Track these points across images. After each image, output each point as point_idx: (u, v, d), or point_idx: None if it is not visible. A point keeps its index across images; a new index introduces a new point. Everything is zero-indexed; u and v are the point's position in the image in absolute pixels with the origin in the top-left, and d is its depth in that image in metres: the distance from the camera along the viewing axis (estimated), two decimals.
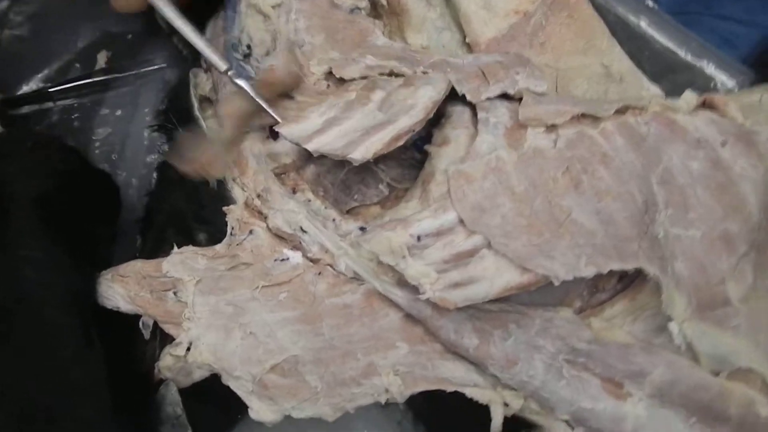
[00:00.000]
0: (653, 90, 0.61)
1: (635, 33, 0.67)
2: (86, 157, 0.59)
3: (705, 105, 0.47)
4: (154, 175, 0.59)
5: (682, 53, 0.66)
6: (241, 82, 0.48)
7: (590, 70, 0.63)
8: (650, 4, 0.68)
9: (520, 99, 0.47)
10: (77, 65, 0.64)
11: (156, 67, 0.64)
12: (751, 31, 0.78)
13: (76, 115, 0.62)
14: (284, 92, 0.51)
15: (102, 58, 0.64)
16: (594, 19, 0.65)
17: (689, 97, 0.46)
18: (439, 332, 0.41)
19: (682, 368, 0.39)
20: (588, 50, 0.64)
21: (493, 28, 0.65)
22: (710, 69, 0.65)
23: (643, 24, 0.67)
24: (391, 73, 0.50)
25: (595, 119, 0.43)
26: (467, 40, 0.65)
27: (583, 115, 0.43)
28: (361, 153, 0.41)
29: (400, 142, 0.41)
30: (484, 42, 0.64)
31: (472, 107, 0.47)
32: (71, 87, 0.62)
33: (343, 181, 0.48)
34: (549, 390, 0.40)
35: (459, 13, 0.65)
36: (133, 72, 0.64)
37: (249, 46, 0.54)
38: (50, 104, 0.63)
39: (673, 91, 0.62)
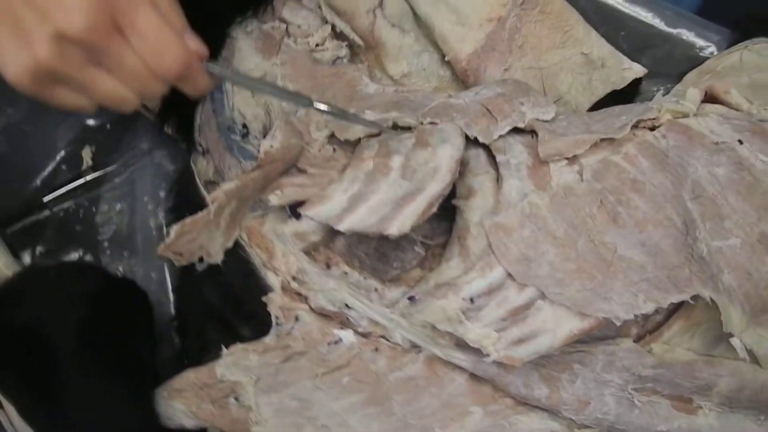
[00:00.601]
0: (635, 68, 0.61)
1: (608, 14, 0.67)
2: (100, 264, 0.58)
3: (707, 98, 0.48)
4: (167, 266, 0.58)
5: (657, 25, 0.66)
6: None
7: (571, 61, 0.64)
8: None
9: (531, 131, 0.47)
10: (63, 167, 0.62)
11: (143, 151, 0.63)
12: None
13: (75, 219, 0.61)
14: (290, 166, 0.50)
15: (87, 155, 0.63)
16: (566, 9, 0.64)
17: (693, 95, 0.47)
18: (509, 388, 0.42)
19: (745, 374, 0.40)
20: (566, 42, 0.64)
21: (471, 41, 0.64)
22: (688, 36, 0.65)
23: (614, 2, 0.67)
24: (395, 126, 0.50)
25: (613, 142, 0.43)
26: (447, 58, 0.65)
27: (601, 140, 0.43)
28: (397, 228, 0.41)
29: (434, 209, 0.41)
30: (464, 58, 0.64)
31: (486, 147, 0.47)
32: (64, 192, 0.61)
33: (377, 249, 0.47)
34: (624, 422, 0.41)
35: (434, 34, 0.65)
36: (122, 162, 0.62)
37: (245, 125, 0.53)
38: (47, 212, 0.61)
39: (655, 65, 0.63)
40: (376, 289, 0.46)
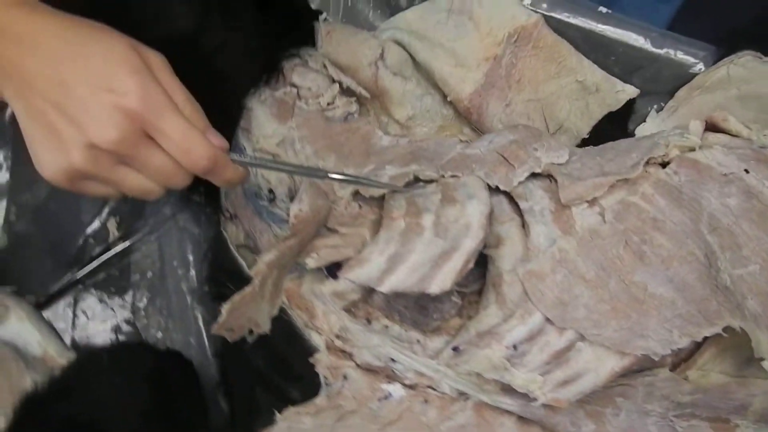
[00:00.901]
0: (628, 89, 0.64)
1: (597, 41, 0.70)
2: (138, 331, 0.60)
3: (708, 127, 0.51)
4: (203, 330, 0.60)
5: (645, 47, 0.69)
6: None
7: (567, 89, 0.67)
8: (603, 9, 0.70)
9: (549, 175, 0.49)
10: (91, 241, 0.64)
11: (167, 216, 0.65)
12: None
13: (108, 289, 0.62)
14: (321, 226, 0.52)
15: (113, 227, 0.64)
16: (558, 42, 0.67)
17: (695, 127, 0.50)
18: (557, 428, 0.44)
19: None
20: (560, 72, 0.67)
21: (471, 81, 0.67)
22: (675, 55, 0.68)
23: (602, 30, 0.70)
24: (417, 179, 0.52)
25: (628, 181, 0.46)
26: (449, 98, 0.67)
27: (617, 180, 0.46)
28: (438, 286, 0.43)
29: (471, 265, 0.44)
30: (466, 97, 0.67)
31: (507, 194, 0.50)
32: (95, 266, 0.62)
33: (416, 302, 0.49)
34: None
35: (434, 77, 0.68)
36: (147, 229, 0.64)
37: (271, 190, 0.55)
38: (80, 287, 0.62)
39: (646, 84, 0.66)
40: (418, 341, 0.48)
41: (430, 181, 0.52)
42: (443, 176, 0.50)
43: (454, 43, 0.69)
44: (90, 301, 0.62)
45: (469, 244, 0.43)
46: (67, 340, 0.59)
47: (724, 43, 0.68)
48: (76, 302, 0.61)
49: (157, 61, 0.39)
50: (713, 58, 0.67)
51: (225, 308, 0.43)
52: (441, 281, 0.43)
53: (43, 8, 0.37)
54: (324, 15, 0.64)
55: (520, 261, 0.46)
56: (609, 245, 0.43)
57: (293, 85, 0.60)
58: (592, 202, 0.46)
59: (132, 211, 0.65)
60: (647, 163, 0.47)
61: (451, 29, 0.70)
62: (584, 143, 0.64)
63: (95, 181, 0.38)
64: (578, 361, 0.42)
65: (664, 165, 0.48)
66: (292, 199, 0.54)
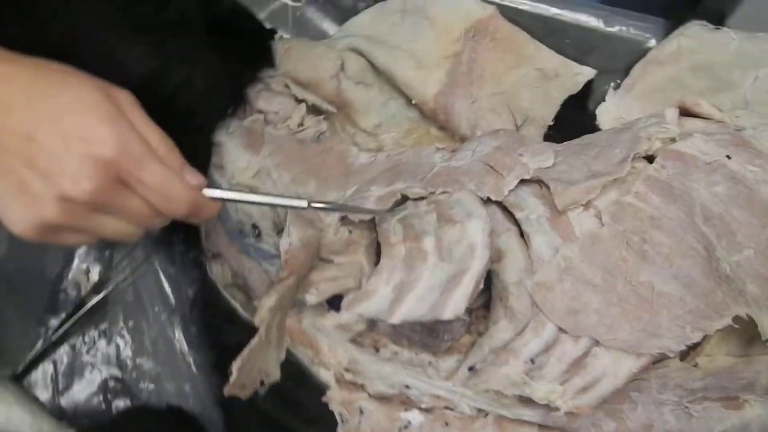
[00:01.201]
0: (585, 71, 0.65)
1: (552, 26, 0.70)
2: (127, 385, 0.57)
3: (682, 113, 0.52)
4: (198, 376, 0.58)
5: (598, 27, 0.70)
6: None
7: (528, 78, 0.67)
8: None
9: (538, 180, 0.49)
10: (62, 297, 0.60)
11: (140, 259, 0.62)
12: None
13: (90, 345, 0.59)
14: (314, 258, 0.51)
15: (83, 278, 0.61)
16: (514, 32, 0.68)
17: (671, 115, 0.51)
18: (579, 431, 0.44)
19: None
20: (520, 62, 0.67)
21: (434, 82, 0.67)
22: (628, 32, 0.69)
23: (555, 14, 0.71)
24: (404, 198, 0.51)
25: (617, 180, 0.46)
26: (414, 102, 0.67)
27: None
28: (452, 312, 0.42)
29: (481, 286, 0.43)
30: (431, 99, 0.67)
31: (499, 203, 0.49)
32: (72, 323, 0.59)
33: (425, 324, 0.49)
34: None
35: (396, 82, 0.66)
36: (121, 276, 0.61)
37: (254, 226, 0.53)
38: (58, 349, 0.59)
39: (602, 63, 0.67)
40: (430, 363, 0.48)
41: (419, 198, 0.51)
42: (432, 193, 0.49)
43: (412, 45, 0.68)
44: (71, 362, 0.58)
45: (477, 266, 0.43)
46: (55, 410, 0.55)
47: (673, 14, 0.70)
48: (55, 366, 0.58)
49: (127, 100, 0.37)
50: (664, 30, 0.68)
51: (235, 366, 0.42)
52: (454, 307, 0.42)
53: (2, 56, 0.35)
54: (279, 33, 0.62)
55: (525, 272, 0.45)
56: (611, 248, 0.44)
57: (260, 112, 0.58)
58: (587, 204, 0.46)
59: (101, 257, 0.61)
60: (635, 159, 0.47)
61: (408, 30, 0.69)
62: (550, 130, 0.65)
63: (69, 231, 0.36)
64: (596, 367, 0.42)
65: (649, 159, 0.48)
66: (279, 232, 0.53)
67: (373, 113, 0.68)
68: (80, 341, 0.59)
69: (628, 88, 0.67)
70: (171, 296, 0.60)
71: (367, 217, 0.51)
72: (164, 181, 0.36)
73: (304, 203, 0.43)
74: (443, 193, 0.49)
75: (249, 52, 0.57)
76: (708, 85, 0.64)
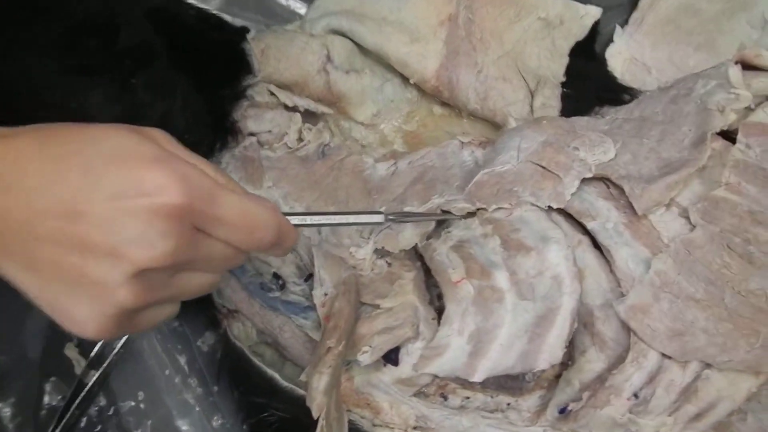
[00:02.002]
0: (591, 11, 0.58)
1: None
2: None
3: (744, 67, 0.46)
4: None
5: None
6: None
7: (531, 30, 0.60)
8: None
9: (602, 178, 0.42)
10: (54, 380, 0.52)
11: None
12: None
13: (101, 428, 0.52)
14: (357, 305, 0.43)
15: (74, 354, 0.52)
16: None
17: (735, 77, 0.44)
18: None
19: None
20: (520, 13, 0.60)
21: (433, 56, 0.59)
22: None
23: None
24: (445, 217, 0.44)
25: (702, 170, 0.40)
26: (412, 81, 0.59)
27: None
28: (547, 361, 0.36)
29: (575, 325, 0.37)
30: (432, 76, 0.59)
31: (560, 210, 0.43)
32: (74, 407, 0.51)
33: None
34: None
35: (391, 62, 0.58)
36: (119, 342, 0.53)
37: (276, 275, 0.45)
38: None
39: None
40: (509, 405, 0.42)
41: (468, 215, 0.43)
42: (483, 209, 0.42)
43: (399, 14, 0.59)
44: None
45: (569, 303, 0.37)
46: None
47: None
48: None
49: (162, 136, 0.30)
50: None
51: None
52: (550, 355, 0.36)
53: (9, 131, 0.27)
54: (251, 32, 0.51)
55: (610, 293, 0.39)
56: (710, 254, 0.38)
57: (252, 134, 0.48)
58: (669, 203, 0.39)
59: None
60: (711, 141, 0.41)
61: None
62: (563, 86, 0.58)
63: (150, 310, 0.30)
64: (709, 392, 0.37)
65: (725, 135, 0.42)
66: (306, 278, 0.45)
67: (368, 102, 0.60)
68: (90, 423, 0.51)
69: (637, 23, 0.61)
70: (181, 356, 0.52)
71: (410, 244, 0.44)
72: (244, 210, 0.29)
73: (380, 218, 0.37)
74: (498, 209, 0.42)
75: (224, 65, 0.47)
76: (722, 8, 0.59)
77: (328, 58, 0.56)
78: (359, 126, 0.60)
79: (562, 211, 0.42)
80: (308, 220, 0.35)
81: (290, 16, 0.62)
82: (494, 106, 0.58)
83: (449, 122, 0.62)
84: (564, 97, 0.58)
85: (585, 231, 0.42)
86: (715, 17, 0.60)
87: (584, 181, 0.43)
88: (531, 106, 0.58)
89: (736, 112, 0.42)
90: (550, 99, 0.58)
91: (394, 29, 0.58)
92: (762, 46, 0.54)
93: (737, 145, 0.40)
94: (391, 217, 0.38)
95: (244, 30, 0.51)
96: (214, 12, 0.53)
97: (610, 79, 0.61)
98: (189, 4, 0.47)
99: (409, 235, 0.44)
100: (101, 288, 0.27)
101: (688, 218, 0.39)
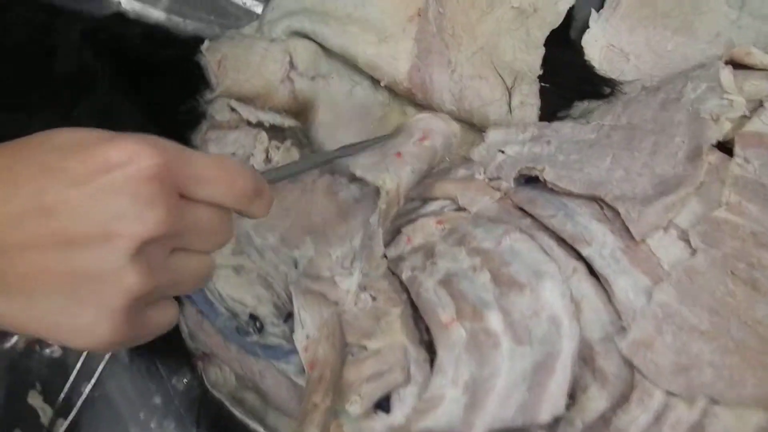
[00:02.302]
0: None
1: None
2: None
3: (734, 65, 0.43)
4: None
5: None
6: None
7: (504, 21, 0.57)
8: None
9: (596, 198, 0.40)
10: None
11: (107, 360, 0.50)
12: None
13: None
14: (342, 347, 0.41)
15: (37, 402, 0.49)
16: None
17: (727, 80, 0.42)
18: None
19: None
20: (493, 3, 0.57)
21: (404, 56, 0.55)
22: None
23: None
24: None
25: (699, 186, 0.38)
26: (383, 84, 0.55)
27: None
28: (549, 412, 0.34)
29: (576, 368, 0.35)
30: (404, 78, 0.56)
31: (553, 234, 0.40)
32: None
33: None
34: None
35: (358, 65, 0.54)
36: (85, 386, 0.49)
37: (253, 316, 0.42)
38: None
39: None
40: None
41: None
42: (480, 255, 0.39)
43: (364, 9, 0.55)
44: None
45: (569, 347, 0.35)
46: None
47: None
48: None
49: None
50: None
51: None
52: (552, 405, 0.34)
53: None
54: (206, 43, 0.47)
55: (610, 324, 0.37)
56: (713, 281, 0.36)
57: None
58: (667, 227, 0.37)
59: (53, 369, 0.49)
60: (700, 154, 0.38)
61: None
62: (541, 80, 0.55)
63: (152, 306, 0.28)
64: (717, 429, 0.36)
65: (721, 146, 0.39)
66: (286, 319, 0.42)
67: (338, 108, 0.56)
68: None
69: (612, 6, 0.58)
70: (155, 396, 0.49)
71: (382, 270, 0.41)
72: (219, 163, 0.28)
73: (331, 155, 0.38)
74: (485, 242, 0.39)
75: (177, 85, 0.42)
76: None
77: (292, 65, 0.52)
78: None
79: (554, 236, 0.40)
80: (275, 174, 0.34)
81: (245, 16, 0.57)
82: (471, 106, 0.55)
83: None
84: (543, 93, 0.56)
85: (579, 256, 0.39)
86: None
87: (576, 201, 0.40)
88: (509, 105, 0.55)
89: (731, 121, 0.39)
90: (529, 96, 0.55)
91: (359, 28, 0.54)
92: (740, 27, 0.52)
93: (735, 159, 0.38)
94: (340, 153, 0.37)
95: (197, 41, 0.46)
96: (162, 24, 0.48)
97: (588, 69, 0.58)
98: (133, 20, 0.42)
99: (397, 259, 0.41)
100: (102, 279, 0.24)
101: (688, 241, 0.37)
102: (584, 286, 0.39)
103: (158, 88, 0.41)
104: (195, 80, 0.44)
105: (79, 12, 0.39)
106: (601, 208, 0.40)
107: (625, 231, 0.38)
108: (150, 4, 0.53)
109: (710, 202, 0.38)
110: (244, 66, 0.49)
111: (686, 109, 0.42)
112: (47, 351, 0.49)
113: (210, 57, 0.47)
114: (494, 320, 0.36)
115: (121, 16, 0.41)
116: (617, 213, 0.38)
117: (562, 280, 0.36)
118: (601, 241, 0.38)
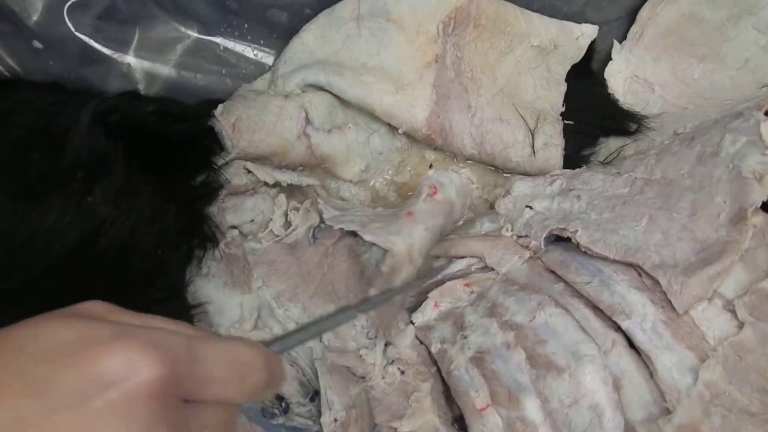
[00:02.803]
0: (586, 30, 0.54)
1: None
2: None
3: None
4: None
5: None
6: None
7: (524, 60, 0.55)
8: None
9: (634, 265, 0.38)
10: None
11: None
12: None
13: None
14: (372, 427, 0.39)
15: None
16: (499, 8, 0.55)
17: (767, 133, 0.39)
18: None
19: None
20: (512, 44, 0.55)
21: (422, 103, 0.53)
22: None
23: None
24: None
25: (744, 253, 0.36)
26: (401, 131, 0.54)
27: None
28: None
29: None
30: (423, 125, 0.54)
31: (589, 303, 0.38)
32: None
33: None
34: None
35: (376, 114, 0.53)
36: None
37: (279, 396, 0.40)
38: None
39: (600, 13, 0.55)
40: None
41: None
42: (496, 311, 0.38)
43: (380, 57, 0.54)
44: None
45: (613, 425, 0.32)
46: None
47: None
48: None
49: (104, 309, 0.24)
50: None
51: None
52: None
53: None
54: (219, 108, 0.45)
55: (653, 405, 0.35)
56: (763, 358, 0.34)
57: (233, 227, 0.43)
58: (712, 298, 0.35)
59: None
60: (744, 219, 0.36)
61: (369, 41, 0.54)
62: (564, 117, 0.53)
63: None
64: None
65: (765, 207, 0.37)
66: (312, 398, 0.40)
67: (355, 158, 0.55)
68: None
69: (636, 37, 0.57)
70: None
71: (409, 341, 0.39)
72: (231, 356, 0.24)
73: (353, 312, 0.33)
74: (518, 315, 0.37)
75: (192, 157, 0.41)
76: (727, 14, 0.53)
77: (307, 120, 0.51)
78: (348, 184, 0.55)
79: (590, 304, 0.38)
80: (292, 340, 0.30)
81: (258, 69, 0.55)
82: (492, 150, 0.53)
83: (444, 168, 0.57)
84: (566, 132, 0.54)
85: (618, 327, 0.37)
86: (719, 25, 0.55)
87: (612, 266, 0.38)
88: (532, 147, 0.53)
89: None
90: (552, 137, 0.53)
91: (375, 77, 0.53)
92: None
93: None
94: (362, 308, 0.33)
95: (210, 107, 0.45)
96: (172, 83, 0.47)
97: (612, 103, 0.57)
98: (144, 97, 0.41)
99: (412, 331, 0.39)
100: None
101: (734, 312, 0.35)
102: (624, 360, 0.37)
103: (173, 164, 0.40)
104: (209, 150, 0.43)
105: (87, 92, 0.37)
106: (639, 275, 0.38)
107: (666, 301, 0.36)
108: (160, 62, 0.52)
109: (756, 270, 0.36)
110: (259, 126, 0.47)
111: (726, 165, 0.39)
112: None
113: (224, 121, 0.45)
114: (531, 407, 0.34)
115: (131, 94, 0.40)
116: (657, 281, 0.36)
117: (603, 364, 0.34)
118: (641, 313, 0.36)
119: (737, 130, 0.41)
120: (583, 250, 0.40)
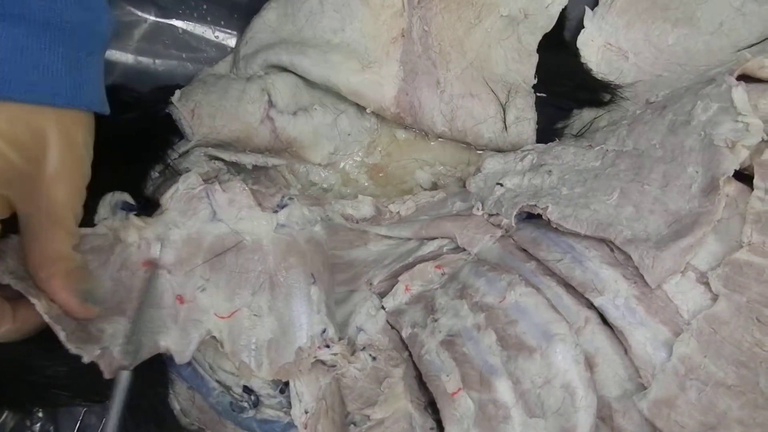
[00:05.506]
0: None
1: None
2: None
3: (746, 81, 0.40)
4: None
5: None
6: None
7: (494, 31, 0.54)
8: None
9: (605, 240, 0.37)
10: None
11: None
12: None
13: None
14: (345, 416, 0.38)
15: None
16: None
17: (740, 98, 0.38)
18: None
19: None
20: (480, 14, 0.54)
21: (390, 81, 0.52)
22: None
23: None
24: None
25: (717, 223, 0.35)
26: (369, 111, 0.52)
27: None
28: None
29: None
30: (391, 103, 0.52)
31: (558, 279, 0.37)
32: None
33: None
34: None
35: (342, 94, 0.51)
36: None
37: (247, 389, 0.39)
38: None
39: None
40: None
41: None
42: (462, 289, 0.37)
43: (344, 34, 0.52)
44: None
45: (585, 420, 0.32)
46: None
47: None
48: None
49: None
50: None
51: None
52: None
53: None
54: (177, 94, 0.43)
55: (628, 381, 0.35)
56: (738, 330, 0.33)
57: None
58: (685, 270, 0.34)
59: None
60: (718, 188, 0.35)
61: (332, 17, 0.52)
62: (536, 89, 0.52)
63: None
64: None
65: (738, 174, 0.36)
66: (282, 389, 0.39)
67: (323, 141, 0.53)
68: None
69: (608, 3, 0.55)
70: None
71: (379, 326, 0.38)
72: None
73: None
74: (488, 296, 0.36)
75: (147, 149, 0.39)
76: None
77: (270, 103, 0.49)
78: (317, 168, 0.54)
79: (562, 282, 0.37)
80: None
81: (219, 51, 0.54)
82: (464, 126, 0.52)
83: (416, 147, 0.56)
84: (539, 105, 0.52)
85: (591, 304, 0.36)
86: None
87: (583, 242, 0.37)
88: (504, 122, 0.52)
89: (748, 148, 0.36)
90: (525, 111, 0.52)
91: (341, 55, 0.51)
92: (744, 14, 0.49)
93: (755, 192, 0.35)
94: None
95: (167, 94, 0.43)
96: (131, 69, 0.45)
97: (585, 73, 0.55)
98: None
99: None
100: None
101: (708, 285, 0.34)
102: (598, 338, 0.36)
103: (127, 155, 0.38)
104: (164, 140, 0.41)
105: None
106: (612, 250, 0.37)
107: (638, 276, 0.35)
108: (116, 48, 0.50)
109: (730, 241, 0.35)
110: (219, 111, 0.46)
111: (697, 133, 0.38)
112: (37, 426, 0.47)
113: (182, 107, 0.44)
114: (503, 389, 0.33)
115: None
116: (629, 256, 0.35)
117: (574, 343, 0.33)
118: (613, 289, 0.35)
119: (709, 96, 0.40)
120: (554, 226, 0.39)
